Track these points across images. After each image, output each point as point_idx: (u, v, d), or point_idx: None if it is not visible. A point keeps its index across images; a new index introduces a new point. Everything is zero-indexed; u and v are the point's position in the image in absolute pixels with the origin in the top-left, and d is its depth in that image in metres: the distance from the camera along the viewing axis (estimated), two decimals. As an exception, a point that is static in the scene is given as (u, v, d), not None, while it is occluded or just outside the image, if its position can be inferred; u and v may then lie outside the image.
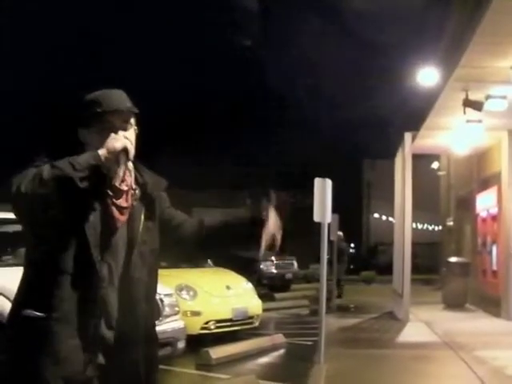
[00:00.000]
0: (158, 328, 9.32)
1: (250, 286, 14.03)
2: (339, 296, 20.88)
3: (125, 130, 3.06)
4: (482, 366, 9.34)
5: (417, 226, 49.94)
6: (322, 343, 9.78)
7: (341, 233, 21.90)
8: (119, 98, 3.11)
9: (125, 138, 3.00)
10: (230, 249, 3.58)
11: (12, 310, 3.03)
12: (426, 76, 18.14)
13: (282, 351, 11.85)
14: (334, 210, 10.50)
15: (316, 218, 10.06)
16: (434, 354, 10.67)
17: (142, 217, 3.12)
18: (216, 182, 46.01)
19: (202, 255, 8.27)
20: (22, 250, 3.23)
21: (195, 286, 12.49)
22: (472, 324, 14.29)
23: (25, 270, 3.05)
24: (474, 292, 18.00)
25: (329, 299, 15.51)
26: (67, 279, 2.90)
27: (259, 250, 3.19)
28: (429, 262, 34.29)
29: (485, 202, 18.25)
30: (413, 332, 13.48)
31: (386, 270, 27.48)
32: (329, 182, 10.13)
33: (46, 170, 2.78)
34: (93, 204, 2.95)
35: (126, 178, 3.10)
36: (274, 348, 11.78)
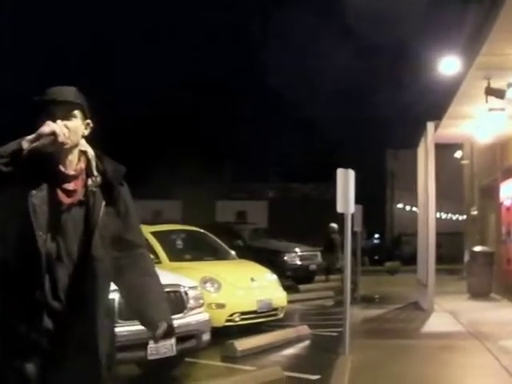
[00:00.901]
0: (182, 320, 9.31)
1: (274, 277, 14.04)
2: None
3: (66, 120, 3.24)
4: (508, 356, 9.30)
5: (440, 216, 49.66)
6: (346, 334, 9.79)
7: (335, 225, 23.21)
8: (63, 92, 3.32)
9: (65, 127, 3.20)
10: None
11: None
12: (448, 65, 18.02)
13: (306, 342, 11.87)
14: (357, 201, 10.47)
15: (339, 208, 10.07)
16: (460, 343, 10.65)
17: (103, 202, 3.34)
18: (239, 175, 46.09)
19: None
20: None
21: (220, 278, 12.54)
22: (497, 313, 14.21)
23: None
24: (498, 281, 17.89)
25: (353, 290, 15.50)
26: (14, 255, 3.17)
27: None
28: (453, 252, 34.03)
29: (509, 191, 18.12)
30: (438, 322, 13.45)
31: (410, 260, 27.35)
32: (351, 173, 10.12)
33: None
34: (32, 186, 3.16)
35: (76, 163, 3.33)
36: (298, 339, 11.80)
